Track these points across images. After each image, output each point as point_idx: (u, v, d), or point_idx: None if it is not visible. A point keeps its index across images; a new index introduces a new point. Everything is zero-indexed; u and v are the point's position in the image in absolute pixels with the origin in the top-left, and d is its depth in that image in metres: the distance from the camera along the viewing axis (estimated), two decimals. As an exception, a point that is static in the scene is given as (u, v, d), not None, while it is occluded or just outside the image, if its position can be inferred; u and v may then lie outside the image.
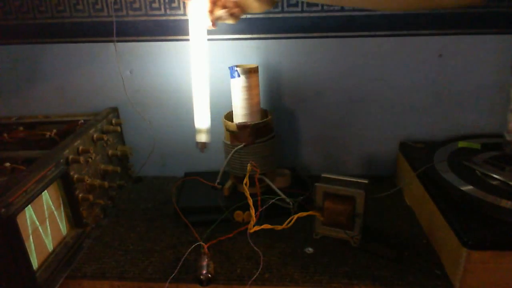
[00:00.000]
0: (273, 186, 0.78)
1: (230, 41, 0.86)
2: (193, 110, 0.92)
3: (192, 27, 0.71)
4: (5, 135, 0.81)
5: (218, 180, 0.81)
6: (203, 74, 0.74)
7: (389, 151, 0.92)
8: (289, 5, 0.82)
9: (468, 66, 0.84)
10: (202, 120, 0.78)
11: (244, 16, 0.82)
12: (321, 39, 0.84)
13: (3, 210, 0.52)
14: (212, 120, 0.91)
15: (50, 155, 0.66)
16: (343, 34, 0.83)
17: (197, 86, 0.75)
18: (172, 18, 0.85)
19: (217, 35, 0.85)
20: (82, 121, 0.85)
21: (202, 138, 0.78)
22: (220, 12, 0.67)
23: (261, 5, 0.63)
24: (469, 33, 0.82)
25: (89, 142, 0.77)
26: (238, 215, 0.76)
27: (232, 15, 0.67)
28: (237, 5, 0.66)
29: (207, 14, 0.68)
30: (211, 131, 0.92)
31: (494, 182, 0.68)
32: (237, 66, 0.75)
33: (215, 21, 0.68)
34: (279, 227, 0.68)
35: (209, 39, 0.85)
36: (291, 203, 0.75)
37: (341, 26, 0.83)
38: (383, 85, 0.87)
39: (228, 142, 0.78)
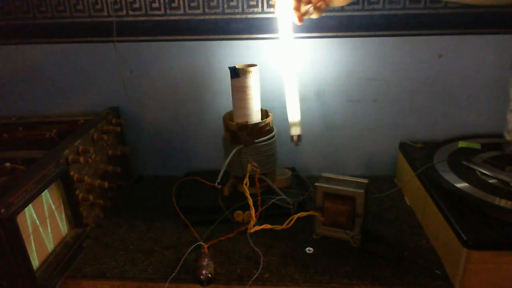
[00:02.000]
0: (273, 186, 0.78)
1: (230, 41, 0.86)
2: (192, 110, 0.93)
3: (280, 25, 0.74)
4: (5, 135, 0.81)
5: (218, 180, 0.81)
6: (293, 70, 0.76)
7: (389, 151, 0.92)
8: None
9: (468, 66, 0.84)
10: (295, 113, 0.79)
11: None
12: (321, 39, 0.84)
13: (3, 210, 0.52)
14: (212, 120, 0.92)
15: (50, 155, 0.66)
16: (343, 34, 0.83)
17: (288, 82, 0.77)
18: (172, 18, 0.85)
19: (217, 35, 0.85)
20: (82, 121, 0.85)
21: (297, 131, 0.80)
22: (306, 7, 0.68)
23: None
24: (469, 33, 0.82)
25: (89, 142, 0.77)
26: (238, 215, 0.76)
27: (317, 8, 0.68)
28: None
29: (293, 11, 0.69)
30: (211, 130, 0.93)
31: (494, 182, 0.68)
32: (237, 66, 0.75)
33: (301, 16, 0.70)
34: (279, 227, 0.68)
35: (209, 39, 0.86)
36: (291, 203, 0.75)
37: (341, 26, 0.83)
38: (383, 85, 0.87)
39: (228, 142, 0.78)
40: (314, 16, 0.70)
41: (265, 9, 0.82)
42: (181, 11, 0.84)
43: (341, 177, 0.70)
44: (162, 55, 0.88)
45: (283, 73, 0.77)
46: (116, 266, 0.67)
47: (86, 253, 0.71)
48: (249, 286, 0.62)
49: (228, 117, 0.80)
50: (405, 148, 0.87)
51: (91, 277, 0.65)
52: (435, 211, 0.66)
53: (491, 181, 0.68)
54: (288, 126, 0.81)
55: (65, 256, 0.66)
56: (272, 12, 0.82)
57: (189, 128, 0.94)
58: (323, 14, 0.70)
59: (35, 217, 0.61)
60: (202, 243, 0.68)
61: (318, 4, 0.68)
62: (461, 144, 0.82)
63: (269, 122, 0.79)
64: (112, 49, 0.87)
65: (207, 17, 0.84)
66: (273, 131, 0.80)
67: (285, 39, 0.75)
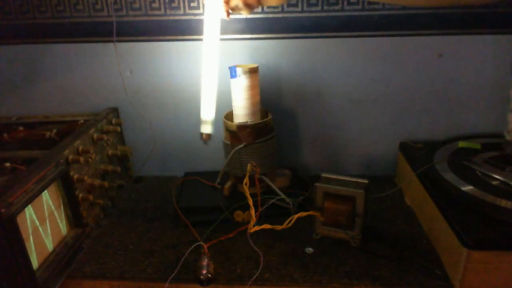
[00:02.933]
0: (273, 186, 0.78)
1: (230, 41, 0.86)
2: (192, 110, 0.93)
3: (207, 17, 0.72)
4: (5, 135, 0.81)
5: (218, 180, 0.81)
6: (213, 67, 0.75)
7: (389, 151, 0.92)
8: (289, 5, 0.82)
9: (468, 66, 0.84)
10: (208, 111, 0.79)
11: (243, 16, 0.82)
12: (321, 39, 0.84)
13: (3, 210, 0.52)
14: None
15: (50, 155, 0.66)
16: (343, 34, 0.83)
17: (206, 78, 0.76)
18: (172, 18, 0.85)
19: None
20: (82, 121, 0.85)
21: (207, 129, 0.79)
22: (235, 1, 0.66)
23: None
24: (469, 33, 0.82)
25: (89, 142, 0.77)
26: (238, 215, 0.76)
27: (247, 5, 0.66)
28: None
29: (222, 4, 0.68)
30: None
31: (494, 182, 0.68)
32: (237, 66, 0.75)
33: (229, 11, 0.69)
34: (279, 227, 0.68)
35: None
36: (291, 203, 0.75)
37: (341, 26, 0.83)
38: (383, 85, 0.87)
39: (228, 142, 0.78)
40: (244, 13, 0.68)
41: (265, 9, 0.82)
42: (181, 11, 0.84)
43: (341, 177, 0.70)
44: (162, 55, 0.88)
45: (203, 72, 0.76)
46: (116, 266, 0.67)
47: (86, 253, 0.71)
48: (249, 286, 0.62)
49: (228, 117, 0.80)
50: (405, 148, 0.87)
51: (91, 277, 0.65)
52: (435, 211, 0.66)
53: (491, 181, 0.68)
54: (288, 126, 0.81)
55: (65, 256, 0.66)
56: (272, 12, 0.82)
57: (189, 128, 0.94)
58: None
59: (35, 217, 0.61)
60: (202, 243, 0.68)
61: (249, 1, 0.66)
62: (461, 144, 0.82)
63: (269, 122, 0.79)
64: (112, 49, 0.87)
65: (207, 17, 0.84)
66: (273, 131, 0.80)
67: (210, 32, 0.73)
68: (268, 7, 0.82)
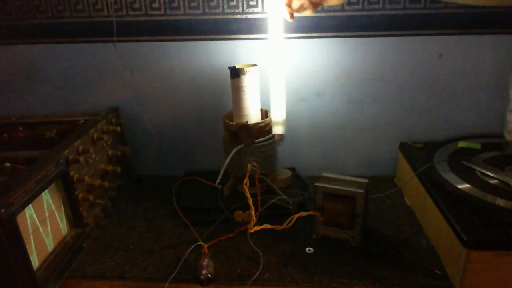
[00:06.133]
0: (273, 186, 0.78)
1: (230, 41, 0.86)
2: (192, 110, 0.93)
3: (270, 21, 0.72)
4: (5, 135, 0.81)
5: (218, 180, 0.81)
6: (280, 67, 0.76)
7: (389, 151, 0.92)
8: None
9: (468, 66, 0.84)
10: (279, 112, 0.80)
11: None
12: (321, 39, 0.84)
13: (3, 210, 0.52)
14: (212, 120, 0.92)
15: (50, 155, 0.66)
16: (343, 34, 0.83)
17: (275, 79, 0.77)
18: (172, 18, 0.85)
19: (217, 35, 0.85)
20: (82, 121, 0.85)
21: (279, 130, 0.80)
22: (300, 2, 0.66)
23: None
24: (469, 33, 0.82)
25: (89, 142, 0.77)
26: (238, 215, 0.76)
27: (312, 4, 0.66)
28: None
29: (284, 7, 0.68)
30: (210, 131, 0.93)
31: (494, 182, 0.68)
32: (237, 66, 0.75)
33: (293, 12, 0.68)
34: (279, 227, 0.68)
35: (209, 39, 0.86)
36: (291, 203, 0.75)
37: (341, 26, 0.83)
38: (383, 85, 0.87)
39: (228, 142, 0.78)
40: (308, 13, 0.68)
41: (265, 9, 0.82)
42: (181, 11, 0.84)
43: (341, 177, 0.70)
44: (162, 55, 0.88)
45: (271, 72, 0.77)
46: (116, 266, 0.67)
47: (86, 253, 0.71)
48: (249, 286, 0.62)
49: (228, 117, 0.80)
50: (405, 148, 0.87)
51: (91, 277, 0.65)
52: (435, 211, 0.66)
53: (491, 181, 0.68)
54: (288, 126, 0.81)
55: (65, 256, 0.66)
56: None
57: (189, 128, 0.94)
58: (316, 14, 0.68)
59: (35, 217, 0.61)
60: (202, 243, 0.68)
61: (314, 0, 0.66)
62: (461, 144, 0.82)
63: (269, 122, 0.79)
64: (112, 49, 0.87)
65: (207, 17, 0.84)
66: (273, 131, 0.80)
67: (275, 39, 0.74)
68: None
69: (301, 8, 0.67)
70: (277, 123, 0.81)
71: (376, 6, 0.81)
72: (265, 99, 0.81)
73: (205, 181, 0.81)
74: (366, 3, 0.81)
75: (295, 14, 0.70)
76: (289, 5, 0.68)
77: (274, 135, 0.80)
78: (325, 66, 0.86)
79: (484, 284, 0.58)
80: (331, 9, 0.81)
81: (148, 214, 0.82)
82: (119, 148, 0.89)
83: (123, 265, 0.67)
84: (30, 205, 0.59)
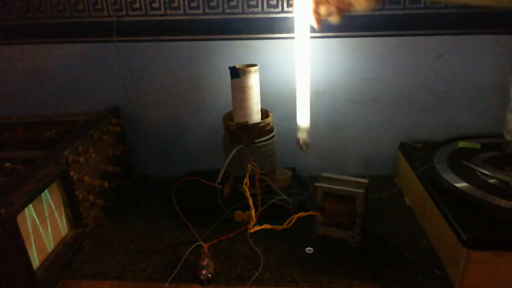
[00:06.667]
0: (273, 186, 0.78)
1: (230, 41, 0.86)
2: (192, 110, 0.93)
3: (297, 26, 0.71)
4: (5, 135, 0.81)
5: (218, 180, 0.81)
6: (306, 73, 0.74)
7: (389, 151, 0.92)
8: (288, 5, 0.82)
9: (468, 66, 0.84)
10: (305, 118, 0.78)
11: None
12: (321, 39, 0.84)
13: (3, 210, 0.52)
14: (212, 120, 0.92)
15: (50, 155, 0.66)
16: (343, 34, 0.83)
17: (301, 85, 0.75)
18: (172, 18, 0.85)
19: (217, 35, 0.85)
20: (82, 121, 0.85)
21: (305, 135, 0.79)
22: (327, 8, 0.65)
23: (368, 2, 0.62)
24: (469, 33, 0.82)
25: (89, 142, 0.77)
26: (238, 215, 0.76)
27: (339, 10, 0.65)
28: (343, 1, 0.65)
29: (311, 13, 0.67)
30: (211, 130, 0.93)
31: (494, 182, 0.68)
32: (237, 66, 0.75)
33: (320, 19, 0.68)
34: (279, 227, 0.68)
35: (209, 39, 0.86)
36: (291, 203, 0.75)
37: (341, 26, 0.83)
38: (383, 85, 0.87)
39: (228, 142, 0.78)
40: (334, 20, 0.67)
41: (265, 9, 0.82)
42: (181, 11, 0.84)
43: (341, 177, 0.70)
44: (162, 55, 0.88)
45: (296, 74, 0.75)
46: (116, 266, 0.67)
47: (86, 253, 0.71)
48: (249, 286, 0.61)
49: (228, 117, 0.80)
50: (405, 148, 0.87)
51: (91, 277, 0.65)
52: (435, 211, 0.66)
53: (491, 181, 0.68)
54: (288, 126, 0.81)
55: (65, 256, 0.66)
56: (272, 12, 0.82)
57: (189, 128, 0.94)
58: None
59: (35, 217, 0.61)
60: (202, 243, 0.68)
61: (341, 6, 0.65)
62: (461, 144, 0.82)
63: (269, 122, 0.79)
64: (112, 49, 0.87)
65: (207, 17, 0.84)
66: (273, 131, 0.80)
67: (301, 40, 0.72)
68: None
69: (329, 15, 0.66)
70: (303, 129, 0.79)
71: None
72: (265, 99, 0.81)
73: (205, 181, 0.81)
74: (366, 3, 0.81)
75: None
76: (316, 11, 0.67)
77: (275, 135, 0.79)
78: (325, 66, 0.86)
79: (484, 284, 0.58)
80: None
81: (148, 214, 0.82)
82: (119, 148, 0.89)
83: (123, 265, 0.67)
84: (30, 205, 0.59)
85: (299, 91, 0.76)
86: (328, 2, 0.65)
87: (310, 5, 0.67)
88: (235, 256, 0.68)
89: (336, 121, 0.91)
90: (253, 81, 0.75)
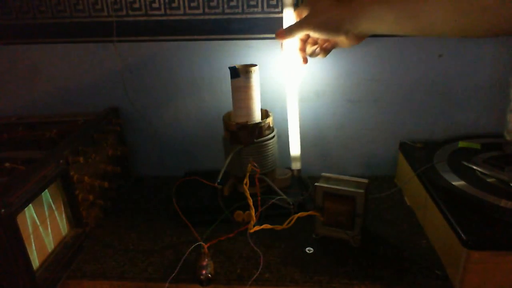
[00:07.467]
0: (273, 186, 0.78)
1: (230, 41, 0.86)
2: (192, 110, 0.93)
3: (287, 65, 0.76)
4: (5, 135, 0.81)
5: (218, 180, 0.81)
6: (295, 102, 0.79)
7: (389, 151, 0.92)
8: None
9: (468, 66, 0.84)
10: (297, 147, 0.83)
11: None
12: (321, 39, 0.84)
13: (3, 210, 0.52)
14: (212, 120, 0.92)
15: (50, 155, 0.66)
16: (343, 34, 0.83)
17: (291, 116, 0.80)
18: (172, 18, 0.85)
19: (217, 35, 0.85)
20: (82, 121, 0.85)
21: (298, 165, 0.84)
22: (312, 48, 0.71)
23: (350, 42, 0.65)
24: (469, 33, 0.82)
25: (89, 142, 0.77)
26: (238, 215, 0.76)
27: (323, 49, 0.70)
28: (327, 40, 0.69)
29: (298, 51, 0.72)
30: (211, 130, 0.93)
31: (494, 182, 0.68)
32: (237, 66, 0.75)
33: (306, 57, 0.73)
34: (279, 227, 0.68)
35: (209, 39, 0.86)
36: (291, 203, 0.75)
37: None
38: (383, 85, 0.87)
39: (228, 142, 0.78)
40: (321, 56, 0.71)
41: (265, 9, 0.82)
42: (181, 11, 0.84)
43: (341, 177, 0.70)
44: (162, 55, 0.88)
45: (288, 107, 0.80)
46: (116, 266, 0.67)
47: (86, 253, 0.71)
48: (249, 286, 0.62)
49: (228, 117, 0.80)
50: (405, 148, 0.87)
51: (91, 277, 0.65)
52: (435, 211, 0.66)
53: (491, 181, 0.68)
54: (288, 126, 0.81)
55: (65, 256, 0.66)
56: (272, 12, 0.82)
57: (189, 128, 0.94)
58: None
59: (35, 217, 0.61)
60: (202, 243, 0.68)
61: (324, 45, 0.69)
62: (461, 144, 0.82)
63: (269, 122, 0.79)
64: (112, 49, 0.87)
65: (207, 17, 0.84)
66: (273, 131, 0.80)
67: (291, 77, 0.77)
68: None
69: (314, 54, 0.71)
70: (296, 159, 0.84)
71: (376, 6, 0.81)
72: (265, 99, 0.81)
73: (205, 181, 0.81)
74: (366, 3, 0.81)
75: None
76: (302, 49, 0.72)
77: (275, 135, 0.80)
78: (325, 66, 0.86)
79: (484, 284, 0.58)
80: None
81: (148, 214, 0.82)
82: (119, 148, 0.89)
83: (123, 265, 0.67)
84: (30, 205, 0.59)
85: (290, 123, 0.81)
86: (316, 42, 0.70)
87: (297, 43, 0.71)
88: (235, 256, 0.68)
89: (336, 121, 0.91)
90: (253, 81, 0.75)
